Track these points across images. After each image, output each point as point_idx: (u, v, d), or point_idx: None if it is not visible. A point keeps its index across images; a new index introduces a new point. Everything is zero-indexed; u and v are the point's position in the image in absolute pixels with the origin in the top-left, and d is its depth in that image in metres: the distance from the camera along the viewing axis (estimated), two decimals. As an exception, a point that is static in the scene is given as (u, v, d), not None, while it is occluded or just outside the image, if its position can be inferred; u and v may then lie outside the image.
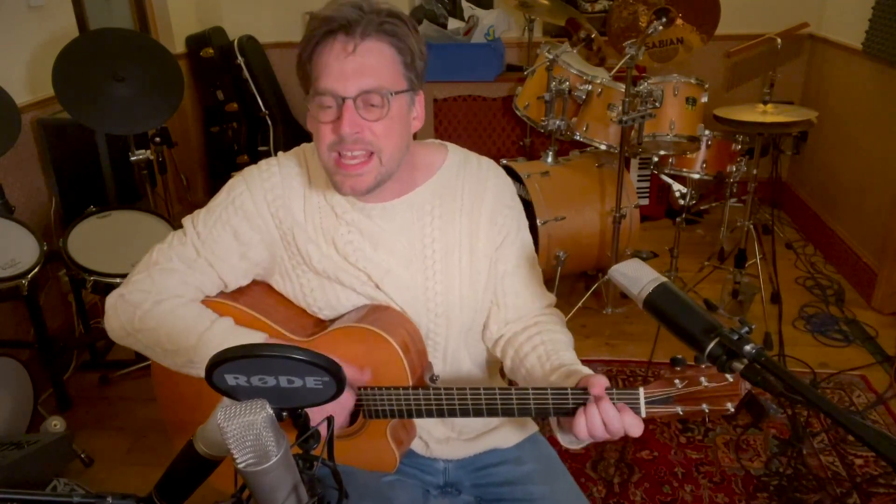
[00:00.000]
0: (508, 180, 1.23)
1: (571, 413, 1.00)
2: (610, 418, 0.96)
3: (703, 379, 0.95)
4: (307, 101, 1.04)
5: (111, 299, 1.16)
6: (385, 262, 1.15)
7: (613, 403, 0.97)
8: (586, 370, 1.09)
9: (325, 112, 1.02)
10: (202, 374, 1.09)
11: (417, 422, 1.23)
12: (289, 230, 1.15)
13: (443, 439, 1.26)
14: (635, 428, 0.96)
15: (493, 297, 1.21)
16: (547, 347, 1.16)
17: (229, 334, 1.11)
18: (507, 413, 1.04)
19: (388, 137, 1.04)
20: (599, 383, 0.98)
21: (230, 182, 1.17)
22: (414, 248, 1.16)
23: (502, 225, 1.18)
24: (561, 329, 1.22)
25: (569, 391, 1.00)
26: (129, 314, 1.13)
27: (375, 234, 1.14)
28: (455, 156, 1.20)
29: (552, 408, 1.01)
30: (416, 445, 1.26)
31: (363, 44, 0.99)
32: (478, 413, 1.05)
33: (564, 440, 1.07)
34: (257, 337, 1.12)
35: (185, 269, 1.15)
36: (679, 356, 0.97)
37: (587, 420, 0.96)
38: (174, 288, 1.14)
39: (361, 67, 0.99)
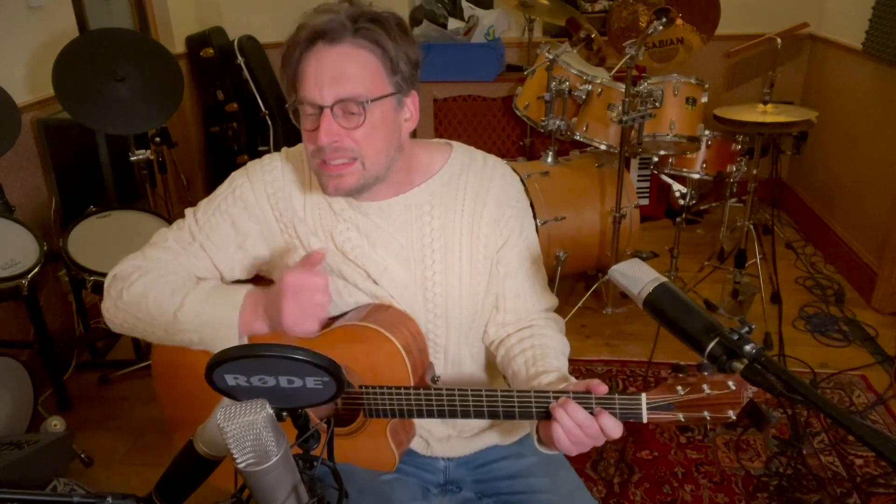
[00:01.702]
0: (515, 179, 1.22)
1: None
2: (580, 419, 0.95)
3: (705, 386, 0.94)
4: (291, 108, 1.05)
5: (107, 280, 1.17)
6: (382, 259, 1.15)
7: (591, 411, 0.96)
8: (572, 379, 1.08)
9: (307, 119, 1.03)
10: (191, 337, 1.07)
11: (418, 421, 1.23)
12: (289, 222, 1.15)
13: (443, 437, 1.26)
14: (614, 430, 0.96)
15: (493, 300, 1.21)
16: (535, 352, 1.15)
17: (217, 289, 1.11)
18: (508, 416, 1.04)
19: (369, 144, 1.04)
20: (601, 384, 0.98)
21: (233, 174, 1.19)
22: (413, 248, 1.15)
23: (504, 226, 1.18)
24: (554, 335, 1.21)
25: (570, 395, 0.99)
26: (119, 288, 1.13)
27: (372, 232, 1.15)
28: (459, 155, 1.19)
29: None
30: (417, 445, 1.26)
31: (339, 51, 0.99)
32: (478, 415, 1.05)
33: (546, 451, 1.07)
34: (240, 292, 1.09)
35: (179, 249, 1.16)
36: (681, 363, 0.96)
37: (561, 425, 0.96)
38: (165, 264, 1.15)
39: (338, 75, 0.99)
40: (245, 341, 1.09)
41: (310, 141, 1.04)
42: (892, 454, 0.70)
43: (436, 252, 1.15)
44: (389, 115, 1.05)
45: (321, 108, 1.00)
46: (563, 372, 1.11)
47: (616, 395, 0.98)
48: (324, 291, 1.04)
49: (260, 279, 1.24)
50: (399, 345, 1.07)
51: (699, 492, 1.97)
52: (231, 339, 1.07)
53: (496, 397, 1.03)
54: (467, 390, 1.04)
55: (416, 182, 1.16)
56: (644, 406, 0.97)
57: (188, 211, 1.20)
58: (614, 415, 0.98)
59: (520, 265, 1.20)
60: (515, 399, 1.02)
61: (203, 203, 1.19)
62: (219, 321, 1.06)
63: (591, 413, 0.97)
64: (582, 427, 0.96)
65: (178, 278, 1.13)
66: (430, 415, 1.07)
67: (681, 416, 0.96)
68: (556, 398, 0.99)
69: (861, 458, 2.07)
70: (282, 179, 1.15)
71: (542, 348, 1.16)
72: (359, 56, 1.00)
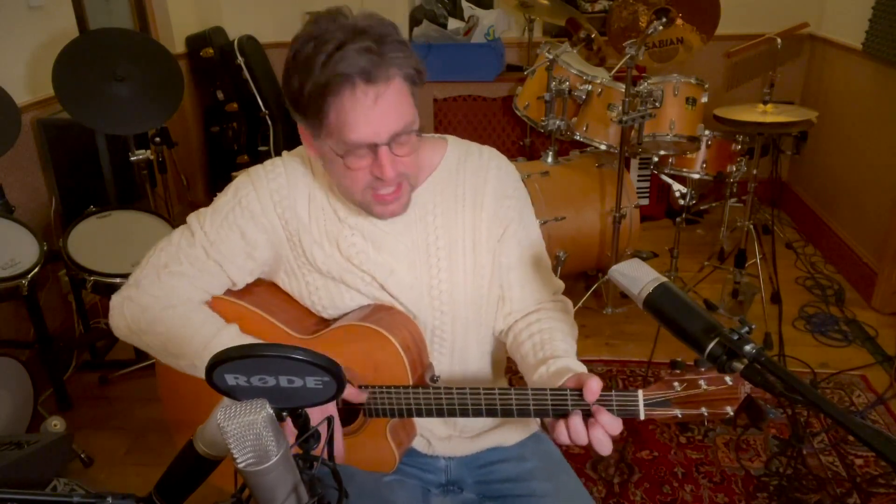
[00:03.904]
0: (511, 168, 1.22)
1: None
2: (577, 433, 0.97)
3: (702, 382, 0.94)
4: (320, 142, 1.03)
5: (117, 298, 1.16)
6: (388, 263, 1.15)
7: (588, 411, 0.97)
8: (577, 366, 1.08)
9: (358, 160, 1.02)
10: (197, 373, 1.09)
11: (419, 420, 1.23)
12: (294, 231, 1.15)
13: (444, 437, 1.26)
14: (613, 426, 0.97)
15: (498, 291, 1.21)
16: (543, 336, 1.16)
17: (236, 342, 1.11)
18: (507, 414, 1.04)
19: (413, 164, 1.06)
20: (593, 389, 0.97)
21: (236, 181, 1.17)
22: (418, 248, 1.16)
23: (503, 216, 1.18)
24: (563, 317, 1.22)
25: (568, 392, 1.00)
26: (137, 316, 1.13)
27: (378, 236, 1.15)
28: (455, 149, 1.20)
29: (551, 409, 1.01)
30: (418, 443, 1.26)
31: (383, 88, 0.97)
32: (477, 413, 1.05)
33: None
34: None
35: (195, 272, 1.14)
36: (679, 359, 0.96)
37: (569, 430, 0.98)
38: (183, 292, 1.14)
39: (388, 112, 0.98)
40: None
41: (362, 176, 1.03)
42: (892, 454, 0.70)
43: (441, 250, 1.16)
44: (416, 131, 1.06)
45: (376, 146, 1.00)
46: (570, 356, 1.12)
47: (613, 393, 0.98)
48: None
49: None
50: (398, 344, 1.07)
51: (699, 492, 1.97)
52: None
53: (494, 396, 1.03)
54: (466, 389, 1.04)
55: (419, 181, 1.16)
56: (641, 403, 0.97)
57: (192, 220, 1.17)
58: (610, 412, 0.98)
59: (521, 255, 1.20)
60: (513, 398, 1.03)
61: (208, 213, 1.16)
62: None
63: (589, 412, 0.98)
64: (587, 434, 0.97)
65: (197, 317, 1.13)
66: (430, 414, 1.07)
67: (678, 413, 0.96)
68: (554, 396, 1.00)
69: (861, 458, 2.07)
70: (287, 187, 1.15)
71: (550, 332, 1.16)
72: (400, 88, 1.00)
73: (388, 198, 1.06)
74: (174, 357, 1.13)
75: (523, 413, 1.03)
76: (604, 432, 0.97)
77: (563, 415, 1.01)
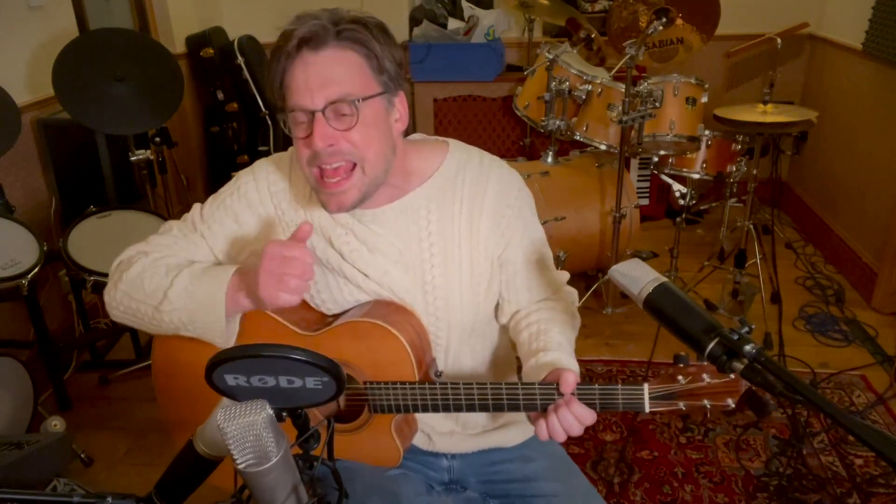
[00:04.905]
0: (513, 176, 1.19)
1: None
2: (555, 429, 0.99)
3: (705, 376, 0.97)
4: (282, 118, 1.05)
5: (112, 266, 1.18)
6: (382, 265, 1.15)
7: (595, 405, 1.00)
8: (565, 361, 1.09)
9: (299, 127, 1.02)
10: (180, 316, 1.08)
11: (420, 416, 1.23)
12: (291, 221, 1.16)
13: (446, 432, 1.25)
14: (588, 418, 0.99)
15: (503, 293, 1.21)
16: (540, 327, 1.16)
17: (206, 270, 1.11)
18: (513, 408, 1.05)
19: (367, 145, 1.03)
20: (569, 381, 0.99)
21: (240, 171, 1.21)
22: (411, 253, 1.15)
23: (506, 227, 1.16)
24: (565, 308, 1.22)
25: (556, 387, 1.01)
26: (121, 271, 1.15)
27: (370, 238, 1.14)
28: (456, 155, 1.18)
29: (540, 403, 1.03)
30: (419, 440, 1.26)
31: (324, 54, 0.99)
32: (483, 408, 1.06)
33: None
34: (229, 270, 1.09)
35: (182, 238, 1.18)
36: (682, 353, 0.99)
37: (548, 426, 1.00)
38: (165, 248, 1.17)
39: (326, 78, 0.99)
40: (233, 323, 1.10)
41: (305, 147, 1.03)
42: (892, 454, 0.70)
43: (435, 256, 1.15)
44: (381, 114, 1.05)
45: (312, 113, 1.00)
46: (563, 349, 1.12)
47: (619, 386, 1.00)
48: (303, 265, 0.99)
49: None
50: (404, 340, 1.08)
51: (699, 492, 1.97)
52: (217, 316, 1.05)
53: (500, 391, 1.04)
54: (472, 384, 1.05)
55: (413, 185, 1.14)
56: (646, 396, 0.99)
57: (196, 204, 1.21)
58: (616, 405, 1.00)
59: (528, 259, 1.19)
60: (520, 392, 1.03)
61: (210, 198, 1.20)
62: (206, 297, 1.06)
63: (595, 406, 1.00)
64: (567, 429, 1.00)
65: (174, 260, 1.14)
66: (436, 409, 1.08)
67: (682, 406, 0.98)
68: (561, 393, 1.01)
69: (861, 458, 2.07)
70: (286, 179, 1.16)
71: (548, 323, 1.16)
72: (345, 58, 1.00)
73: (332, 185, 1.03)
74: (149, 297, 1.10)
75: (530, 408, 1.04)
76: (574, 418, 0.98)
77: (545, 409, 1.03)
